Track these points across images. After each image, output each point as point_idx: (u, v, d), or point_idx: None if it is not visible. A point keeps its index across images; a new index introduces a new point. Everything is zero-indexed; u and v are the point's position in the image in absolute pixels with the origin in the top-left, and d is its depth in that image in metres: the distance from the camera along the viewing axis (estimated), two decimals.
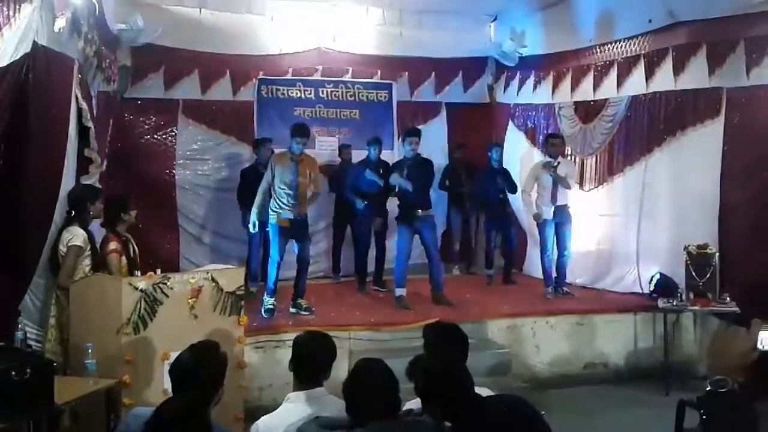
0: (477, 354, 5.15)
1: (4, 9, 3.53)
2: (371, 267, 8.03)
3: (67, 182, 4.80)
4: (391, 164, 7.40)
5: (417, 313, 6.47)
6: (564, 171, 7.34)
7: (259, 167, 7.35)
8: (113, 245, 4.73)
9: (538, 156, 8.22)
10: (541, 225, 7.39)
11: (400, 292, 6.86)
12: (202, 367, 2.70)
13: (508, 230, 8.38)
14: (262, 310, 6.39)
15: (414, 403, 2.83)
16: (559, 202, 7.29)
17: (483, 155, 8.76)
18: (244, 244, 7.75)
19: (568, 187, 7.34)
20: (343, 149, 8.49)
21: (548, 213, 7.31)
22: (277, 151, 7.31)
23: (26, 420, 3.28)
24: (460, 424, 2.40)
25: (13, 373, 3.11)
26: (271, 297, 6.49)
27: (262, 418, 2.84)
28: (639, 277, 7.21)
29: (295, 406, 2.81)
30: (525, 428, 2.29)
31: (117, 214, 4.86)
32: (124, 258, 4.77)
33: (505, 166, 8.38)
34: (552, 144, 7.43)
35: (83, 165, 5.43)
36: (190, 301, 4.27)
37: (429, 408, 2.55)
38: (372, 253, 8.01)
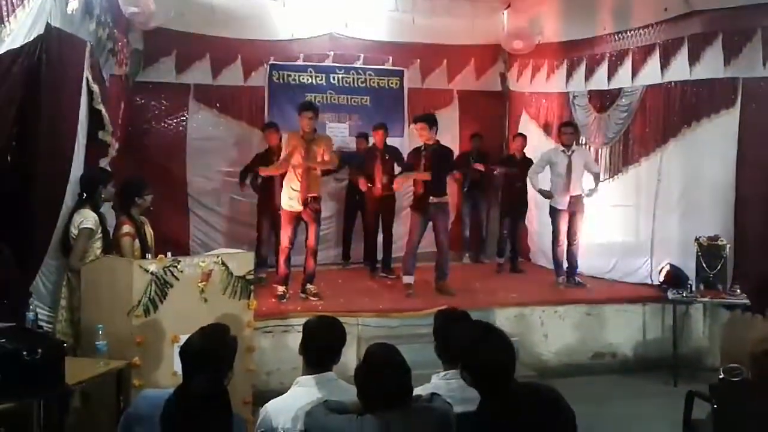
0: None
1: None
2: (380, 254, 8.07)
3: (77, 164, 4.82)
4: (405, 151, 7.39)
5: (425, 300, 6.46)
6: (581, 159, 7.32)
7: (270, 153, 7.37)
8: (126, 228, 4.73)
9: (550, 145, 8.18)
10: (554, 214, 7.35)
11: (408, 279, 6.84)
12: (213, 350, 2.71)
13: (518, 218, 8.38)
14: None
15: (423, 389, 2.84)
16: (574, 192, 7.25)
17: (495, 143, 8.74)
18: (253, 228, 7.80)
19: (596, 171, 7.38)
20: (359, 138, 8.49)
21: (563, 203, 7.27)
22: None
23: (37, 400, 3.30)
24: (493, 399, 2.41)
25: (24, 353, 3.12)
26: (283, 282, 6.49)
27: (271, 401, 2.84)
28: (652, 269, 7.18)
29: (305, 390, 2.81)
30: (553, 413, 2.33)
31: (132, 197, 4.86)
32: (137, 242, 4.76)
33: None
34: (564, 133, 7.36)
35: (99, 148, 5.46)
36: (200, 284, 4.28)
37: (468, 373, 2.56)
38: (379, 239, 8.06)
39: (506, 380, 2.44)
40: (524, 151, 8.34)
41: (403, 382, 2.53)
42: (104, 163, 5.69)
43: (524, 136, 8.48)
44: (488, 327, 2.76)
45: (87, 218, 4.53)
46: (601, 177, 7.75)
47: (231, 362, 2.79)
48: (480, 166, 8.67)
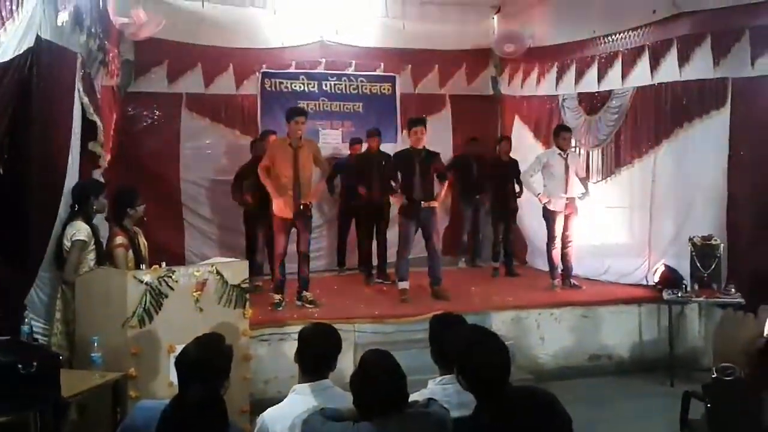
0: None
1: (7, 3, 3.51)
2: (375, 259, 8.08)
3: (71, 176, 4.81)
4: (392, 155, 7.37)
5: (421, 306, 6.46)
6: (575, 162, 7.39)
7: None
8: (120, 239, 4.73)
9: (541, 148, 8.22)
10: (549, 217, 7.33)
11: (403, 285, 6.85)
12: (208, 360, 2.71)
13: (510, 221, 8.40)
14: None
15: (419, 395, 2.84)
16: (570, 194, 7.26)
17: (489, 147, 8.77)
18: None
19: (582, 176, 7.42)
20: (353, 143, 8.49)
21: (560, 205, 7.27)
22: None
23: (33, 413, 3.29)
24: (488, 403, 2.41)
25: (20, 366, 3.12)
26: (278, 291, 6.48)
27: (268, 409, 2.84)
28: (648, 270, 7.19)
29: (301, 398, 2.81)
30: (548, 416, 2.34)
31: (124, 208, 4.85)
32: (131, 252, 4.75)
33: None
34: (564, 137, 7.33)
35: (91, 159, 5.45)
36: (195, 294, 4.28)
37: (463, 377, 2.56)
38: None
39: (501, 384, 2.45)
40: (509, 153, 8.42)
41: (398, 388, 2.52)
42: (98, 174, 5.69)
43: (509, 138, 8.60)
44: (482, 331, 2.77)
45: (79, 230, 4.51)
46: (594, 179, 7.80)
47: (227, 371, 2.79)
48: (487, 197, 8.74)
